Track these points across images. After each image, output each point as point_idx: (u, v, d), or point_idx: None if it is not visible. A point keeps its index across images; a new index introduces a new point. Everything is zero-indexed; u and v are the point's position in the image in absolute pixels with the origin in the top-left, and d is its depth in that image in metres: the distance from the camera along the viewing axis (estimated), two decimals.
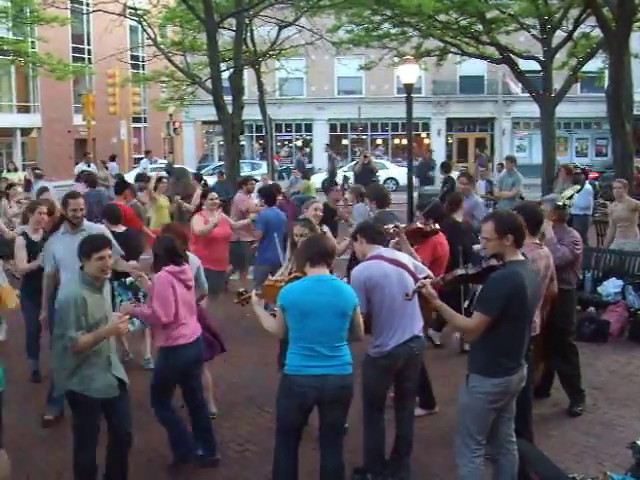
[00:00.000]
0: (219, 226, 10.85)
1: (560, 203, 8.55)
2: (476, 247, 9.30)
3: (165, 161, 41.21)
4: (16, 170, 30.65)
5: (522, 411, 6.26)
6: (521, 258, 5.64)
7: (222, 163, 32.43)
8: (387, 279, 6.31)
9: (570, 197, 8.75)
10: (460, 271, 6.00)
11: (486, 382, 5.52)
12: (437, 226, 8.70)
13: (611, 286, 12.01)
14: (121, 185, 13.48)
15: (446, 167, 19.46)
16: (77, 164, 31.63)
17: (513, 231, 5.55)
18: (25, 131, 53.37)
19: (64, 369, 5.95)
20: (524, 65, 26.39)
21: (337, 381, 5.75)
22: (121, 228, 9.81)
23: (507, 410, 5.79)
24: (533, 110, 26.69)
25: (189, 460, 7.01)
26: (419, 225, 8.25)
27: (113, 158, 30.81)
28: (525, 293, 5.47)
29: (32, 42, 37.47)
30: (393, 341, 6.34)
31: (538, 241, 7.12)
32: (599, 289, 12.18)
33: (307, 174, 21.73)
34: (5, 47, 30.05)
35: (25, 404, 8.47)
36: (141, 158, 50.39)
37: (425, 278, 6.35)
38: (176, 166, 28.51)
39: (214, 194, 11.40)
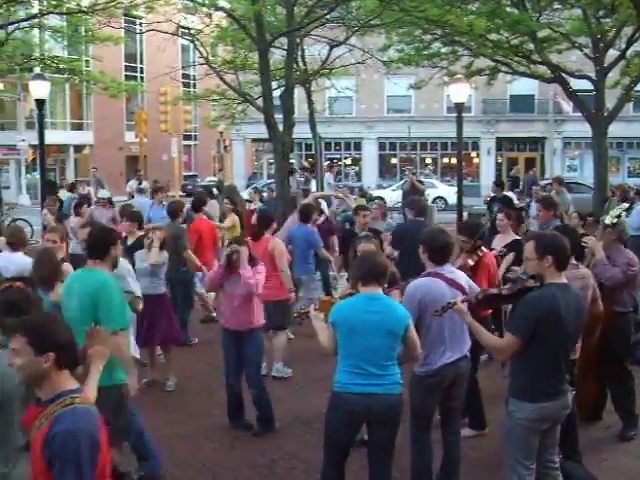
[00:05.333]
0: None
1: (608, 222, 8.38)
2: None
3: (215, 178, 41.54)
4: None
5: (569, 434, 6.16)
6: (563, 281, 5.51)
7: (271, 180, 32.56)
8: (442, 300, 6.16)
9: (618, 216, 8.57)
10: (493, 291, 5.93)
11: (523, 406, 5.44)
12: (483, 249, 8.31)
13: None
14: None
15: (502, 185, 19.13)
16: (128, 181, 31.97)
17: (553, 252, 5.43)
18: (78, 148, 54.24)
19: None
20: (576, 84, 26.14)
21: (385, 401, 5.72)
22: None
23: (549, 436, 5.68)
24: (585, 130, 26.40)
25: None
26: (471, 263, 8.00)
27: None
28: (559, 317, 5.34)
29: (86, 61, 38.09)
30: (441, 360, 6.30)
31: (575, 261, 6.94)
32: None
33: (365, 192, 21.98)
34: (60, 66, 30.51)
35: None
36: (192, 176, 50.80)
37: None
38: (226, 183, 28.66)
39: None
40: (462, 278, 6.60)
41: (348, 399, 5.72)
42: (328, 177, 32.16)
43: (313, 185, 28.66)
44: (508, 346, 5.42)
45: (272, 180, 31.80)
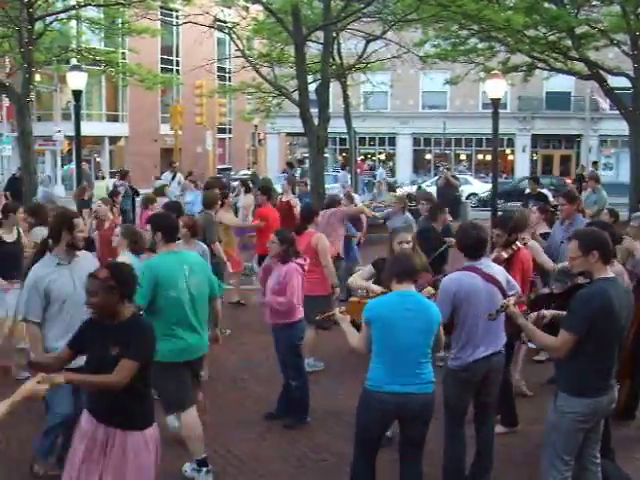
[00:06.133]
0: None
1: None
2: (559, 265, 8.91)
3: (248, 172, 41.64)
4: (103, 178, 31.11)
5: (603, 431, 6.11)
6: (611, 275, 5.48)
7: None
8: (477, 294, 6.19)
9: None
10: (546, 290, 5.89)
11: (574, 401, 5.42)
12: (518, 244, 8.16)
13: None
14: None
15: (538, 181, 18.90)
16: (162, 173, 32.11)
17: (598, 247, 5.40)
18: (113, 139, 54.68)
19: None
20: (613, 81, 25.94)
21: (419, 400, 5.72)
22: None
23: (594, 431, 5.66)
24: (621, 128, 26.23)
25: None
26: (505, 256, 7.94)
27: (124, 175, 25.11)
28: (612, 311, 5.31)
29: (123, 53, 38.35)
30: (474, 355, 6.28)
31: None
32: None
33: (393, 187, 21.85)
34: (97, 57, 30.75)
35: None
36: (226, 169, 50.88)
37: (513, 296, 6.25)
38: (260, 176, 28.74)
39: None
40: (499, 273, 6.55)
41: (381, 398, 5.71)
42: (381, 172, 32.37)
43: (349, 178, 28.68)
44: (564, 344, 5.37)
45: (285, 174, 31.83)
